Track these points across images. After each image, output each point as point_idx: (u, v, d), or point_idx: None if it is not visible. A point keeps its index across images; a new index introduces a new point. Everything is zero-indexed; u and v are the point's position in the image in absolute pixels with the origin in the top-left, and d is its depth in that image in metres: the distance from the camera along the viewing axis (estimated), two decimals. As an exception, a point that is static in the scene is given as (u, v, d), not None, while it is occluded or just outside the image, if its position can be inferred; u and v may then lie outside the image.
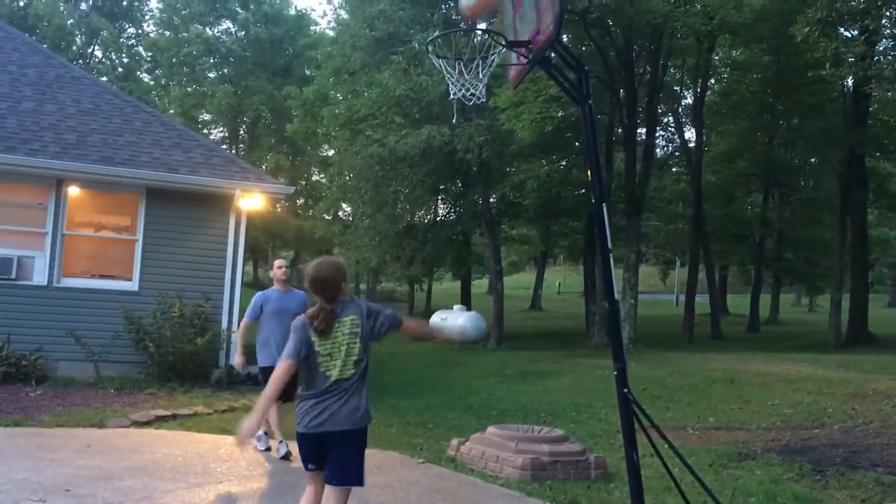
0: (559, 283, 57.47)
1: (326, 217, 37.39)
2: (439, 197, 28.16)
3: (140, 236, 11.47)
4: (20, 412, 8.39)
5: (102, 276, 11.66)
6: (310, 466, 3.88)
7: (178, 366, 10.82)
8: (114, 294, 11.25)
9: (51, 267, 11.04)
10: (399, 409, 10.31)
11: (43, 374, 10.46)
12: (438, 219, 28.92)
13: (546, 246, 36.31)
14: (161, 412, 8.73)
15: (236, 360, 7.43)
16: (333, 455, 3.78)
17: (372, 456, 7.18)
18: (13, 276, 10.80)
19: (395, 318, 4.00)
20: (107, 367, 10.85)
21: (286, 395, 5.92)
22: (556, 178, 23.55)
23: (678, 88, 28.17)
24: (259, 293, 7.29)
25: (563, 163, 25.74)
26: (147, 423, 8.24)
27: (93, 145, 11.60)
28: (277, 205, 37.25)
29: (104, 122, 12.36)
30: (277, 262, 7.56)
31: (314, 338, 3.86)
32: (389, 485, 6.07)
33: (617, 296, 5.17)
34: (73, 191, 11.30)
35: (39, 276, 11.02)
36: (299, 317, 4.08)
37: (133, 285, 11.38)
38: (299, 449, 3.91)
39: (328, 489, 3.81)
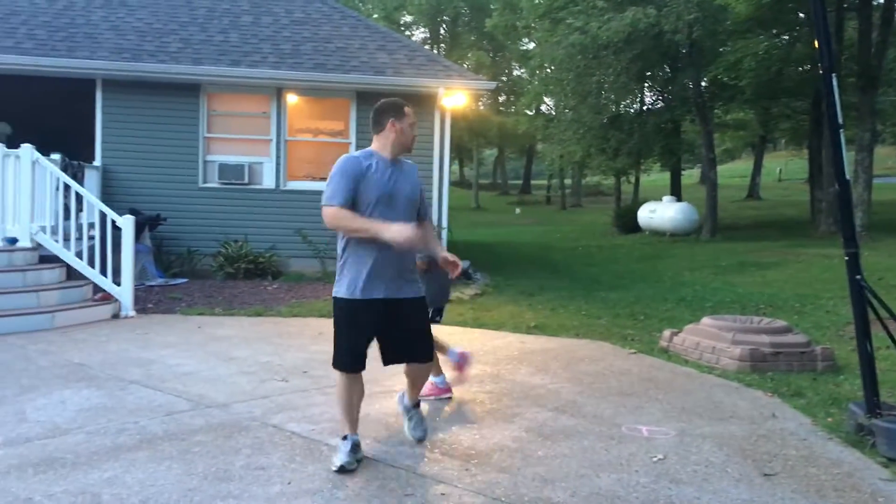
0: (779, 170, 53.58)
1: (529, 112, 37.06)
2: (645, 84, 26.95)
3: (353, 139, 12.03)
4: (260, 304, 9.31)
5: (322, 179, 12.39)
6: None
7: (395, 261, 11.38)
8: (333, 195, 11.96)
9: (277, 171, 11.92)
10: (608, 301, 10.26)
11: (277, 270, 11.50)
12: (645, 107, 27.78)
13: (765, 130, 33.71)
14: (382, 303, 9.29)
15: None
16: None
17: (583, 346, 7.27)
18: (246, 181, 11.79)
19: None
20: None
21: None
22: (776, 55, 21.56)
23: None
24: (347, 159, 3.84)
25: (785, 37, 23.51)
26: (370, 314, 8.82)
27: (306, 53, 12.18)
28: (480, 102, 37.46)
29: (314, 31, 12.89)
30: (409, 109, 3.99)
31: None
32: (601, 373, 6.10)
33: (848, 177, 4.71)
34: (292, 98, 12.00)
35: (268, 181, 11.95)
36: None
37: (350, 186, 12.03)
38: None
39: None
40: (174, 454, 3.97)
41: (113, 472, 3.70)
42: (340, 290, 3.86)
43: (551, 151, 29.70)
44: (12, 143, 8.75)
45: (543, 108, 37.16)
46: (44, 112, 12.66)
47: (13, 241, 8.41)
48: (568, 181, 44.81)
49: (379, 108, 3.97)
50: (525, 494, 3.54)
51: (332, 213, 3.72)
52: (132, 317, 8.27)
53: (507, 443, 4.29)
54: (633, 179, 33.03)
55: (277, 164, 11.93)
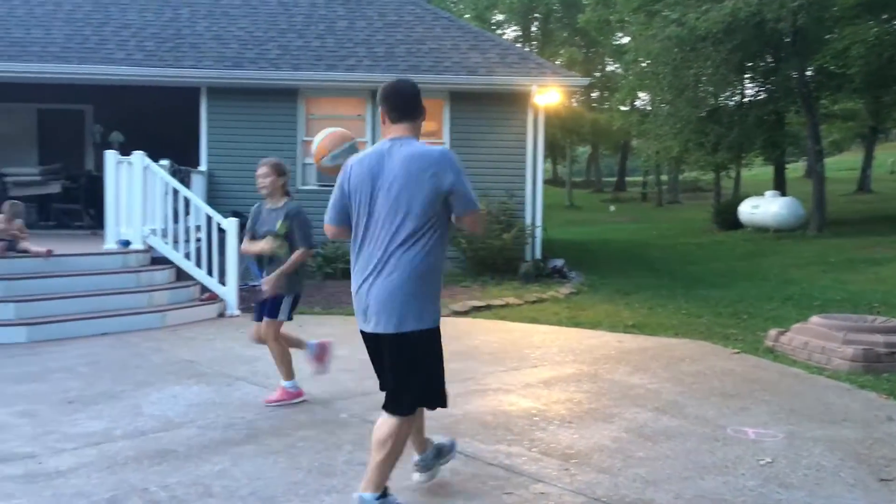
0: (892, 162, 50.86)
1: (623, 108, 36.35)
2: (746, 75, 26.00)
3: (446, 139, 12.10)
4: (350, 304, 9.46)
5: (416, 179, 12.54)
6: None
7: (489, 260, 11.42)
8: (427, 195, 12.09)
9: (372, 173, 12.10)
10: (709, 300, 9.98)
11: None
12: (746, 100, 26.82)
13: (876, 120, 32.00)
14: (476, 303, 9.33)
15: None
16: None
17: (683, 345, 7.10)
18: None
19: None
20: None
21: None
22: (888, 41, 20.42)
23: None
24: (455, 156, 3.23)
25: (898, 21, 22.28)
26: (465, 313, 8.88)
27: (400, 56, 12.34)
28: (573, 99, 37.06)
29: (407, 33, 13.04)
30: None
31: None
32: (702, 373, 5.94)
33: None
34: (386, 101, 12.17)
35: (364, 182, 12.14)
36: None
37: (444, 186, 12.12)
38: None
39: None
40: (280, 449, 4.10)
41: (222, 465, 3.85)
42: (437, 316, 3.19)
43: (647, 147, 29.05)
44: (125, 151, 9.22)
45: (638, 103, 36.39)
46: (152, 120, 13.24)
47: (126, 243, 8.85)
48: (664, 177, 43.74)
49: (412, 91, 3.26)
50: (626, 496, 3.49)
51: (483, 215, 3.11)
52: (237, 316, 8.57)
53: (606, 443, 4.23)
54: (733, 174, 31.96)
55: (373, 165, 12.11)
